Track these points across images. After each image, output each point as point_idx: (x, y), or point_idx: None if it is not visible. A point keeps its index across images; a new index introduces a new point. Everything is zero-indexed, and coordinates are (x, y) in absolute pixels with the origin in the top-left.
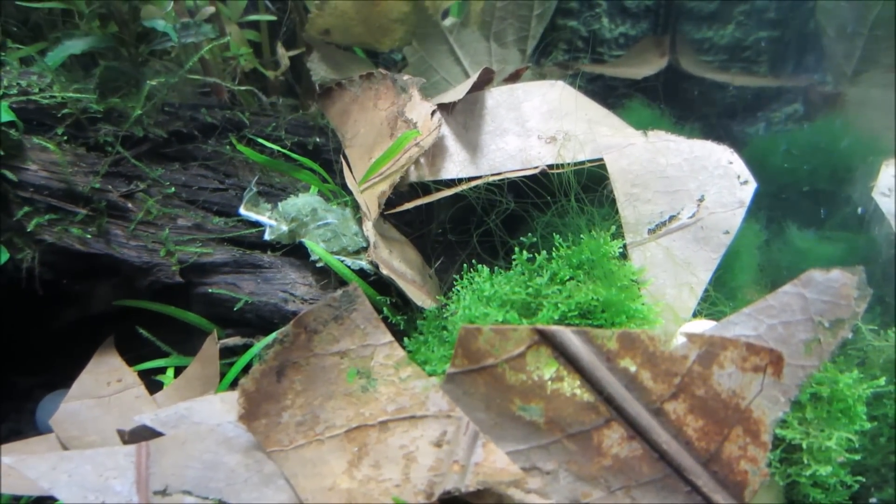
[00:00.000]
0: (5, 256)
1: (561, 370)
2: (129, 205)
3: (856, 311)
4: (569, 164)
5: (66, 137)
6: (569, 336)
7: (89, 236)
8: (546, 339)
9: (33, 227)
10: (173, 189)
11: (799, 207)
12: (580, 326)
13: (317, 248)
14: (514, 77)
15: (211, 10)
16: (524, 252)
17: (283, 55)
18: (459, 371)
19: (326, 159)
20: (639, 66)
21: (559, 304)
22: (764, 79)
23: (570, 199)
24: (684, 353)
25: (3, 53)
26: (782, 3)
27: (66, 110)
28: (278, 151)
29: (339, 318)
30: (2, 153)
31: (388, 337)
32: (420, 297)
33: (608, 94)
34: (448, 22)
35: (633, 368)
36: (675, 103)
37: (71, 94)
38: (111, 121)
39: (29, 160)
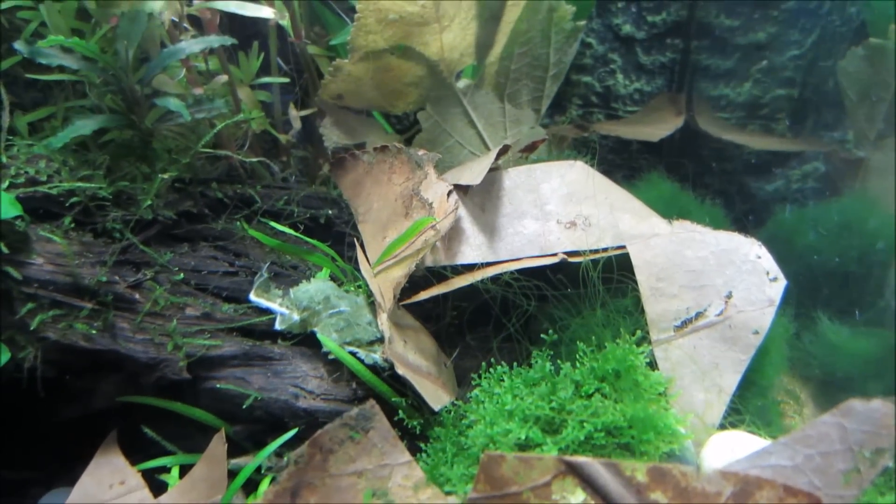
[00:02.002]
0: (6, 357)
1: (588, 500)
2: (137, 295)
3: None
4: (589, 251)
5: (73, 225)
6: (597, 468)
7: (94, 332)
8: (573, 470)
9: (37, 324)
10: (182, 275)
11: (829, 292)
12: (608, 459)
13: (329, 343)
14: (530, 148)
15: (224, 78)
16: (546, 363)
17: (296, 117)
18: (481, 496)
19: (339, 232)
20: (654, 125)
21: (584, 423)
22: (783, 141)
23: (595, 306)
24: (718, 489)
25: (11, 138)
26: (800, 62)
27: (74, 198)
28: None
29: (355, 436)
30: (5, 250)
31: (407, 456)
32: (435, 394)
33: (623, 149)
34: (462, 84)
35: (664, 502)
36: (693, 159)
37: (80, 184)
38: (120, 205)
39: (34, 253)
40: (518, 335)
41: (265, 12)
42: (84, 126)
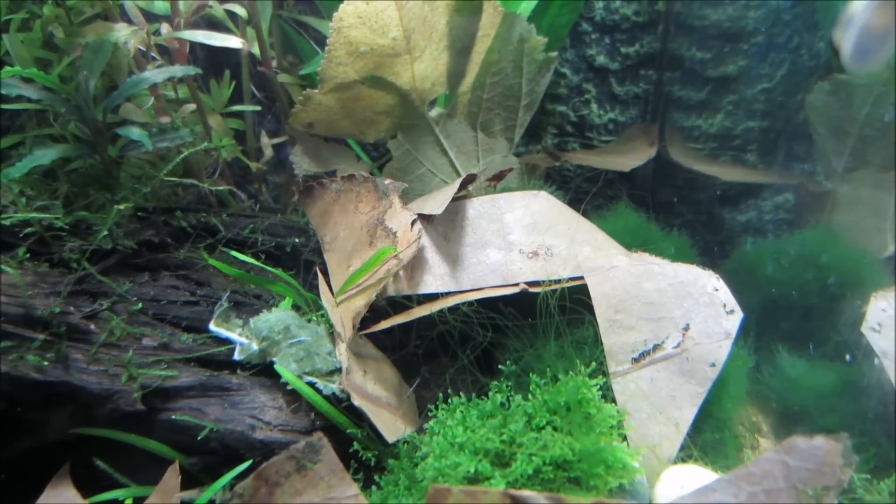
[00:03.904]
0: None
1: None
2: (92, 326)
3: (841, 479)
4: (549, 281)
5: (28, 255)
6: (542, 503)
7: (46, 363)
8: None
9: None
10: (140, 305)
11: (789, 325)
12: (555, 493)
13: (286, 373)
14: (498, 177)
15: (192, 107)
16: (497, 396)
17: (267, 144)
18: None
19: (307, 260)
20: (627, 155)
21: (533, 457)
22: (754, 172)
23: (549, 335)
24: None
25: None
26: (770, 95)
27: (29, 229)
28: (253, 258)
29: (302, 469)
30: None
31: (354, 489)
32: (393, 425)
33: (598, 177)
34: (434, 113)
35: None
36: (665, 189)
37: (34, 214)
38: (78, 234)
39: None
40: (471, 367)
41: (233, 42)
42: (44, 156)
